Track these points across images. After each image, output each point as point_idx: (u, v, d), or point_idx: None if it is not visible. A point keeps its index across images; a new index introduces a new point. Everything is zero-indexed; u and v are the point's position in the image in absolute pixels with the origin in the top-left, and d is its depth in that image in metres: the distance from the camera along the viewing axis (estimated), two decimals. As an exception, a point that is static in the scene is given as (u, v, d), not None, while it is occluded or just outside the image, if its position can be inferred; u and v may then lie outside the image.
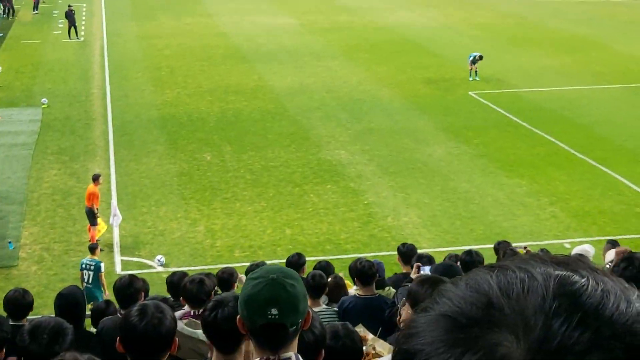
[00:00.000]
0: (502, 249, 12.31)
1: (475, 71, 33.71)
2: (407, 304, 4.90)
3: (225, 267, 9.84)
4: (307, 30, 44.66)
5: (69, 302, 7.20)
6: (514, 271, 1.07)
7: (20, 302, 7.07)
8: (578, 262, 1.09)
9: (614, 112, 29.49)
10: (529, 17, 49.62)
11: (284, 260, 11.72)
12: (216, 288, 7.93)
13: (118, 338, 3.43)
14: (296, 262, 10.33)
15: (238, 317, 2.94)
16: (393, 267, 14.43)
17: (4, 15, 48.04)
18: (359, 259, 8.79)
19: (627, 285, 1.08)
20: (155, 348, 3.47)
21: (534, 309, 1.01)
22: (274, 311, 2.82)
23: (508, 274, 1.07)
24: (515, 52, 39.36)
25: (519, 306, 1.01)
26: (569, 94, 31.91)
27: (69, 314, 6.52)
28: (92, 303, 11.26)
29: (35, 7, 49.58)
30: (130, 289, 7.22)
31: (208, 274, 8.12)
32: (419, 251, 11.57)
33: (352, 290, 9.40)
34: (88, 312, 8.72)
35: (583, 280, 1.05)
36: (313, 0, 54.84)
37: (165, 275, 14.70)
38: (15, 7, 49.12)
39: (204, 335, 6.03)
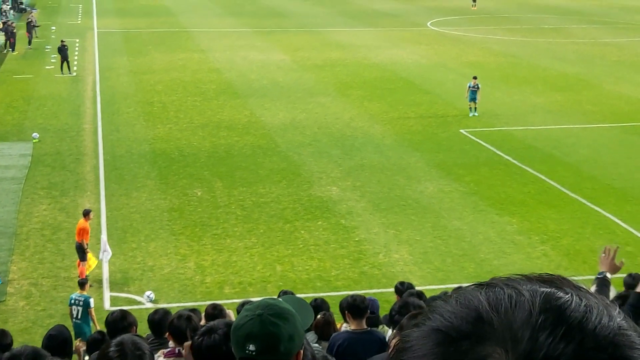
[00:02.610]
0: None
1: (475, 107, 33.93)
2: (397, 336, 4.85)
3: (214, 303, 9.75)
4: (300, 67, 44.88)
5: (58, 343, 7.12)
6: (502, 288, 1.13)
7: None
8: (562, 281, 1.16)
9: (603, 150, 29.62)
10: (520, 56, 50.01)
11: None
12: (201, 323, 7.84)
13: None
14: None
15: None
16: (384, 304, 14.34)
17: (9, 50, 48.14)
18: (351, 295, 8.74)
19: (609, 302, 1.13)
20: None
21: (521, 322, 1.06)
22: (251, 347, 2.81)
23: (496, 290, 1.12)
24: (507, 90, 39.61)
25: (507, 320, 1.07)
26: (559, 132, 32.07)
27: (57, 354, 6.44)
28: (78, 339, 11.14)
29: (30, 42, 49.76)
30: (122, 322, 7.16)
31: (194, 310, 8.02)
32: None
33: (343, 327, 9.32)
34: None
35: (567, 296, 1.11)
36: (306, 37, 55.18)
37: (151, 311, 14.60)
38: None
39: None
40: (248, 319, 2.87)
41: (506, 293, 1.11)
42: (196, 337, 3.79)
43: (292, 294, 10.66)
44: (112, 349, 3.48)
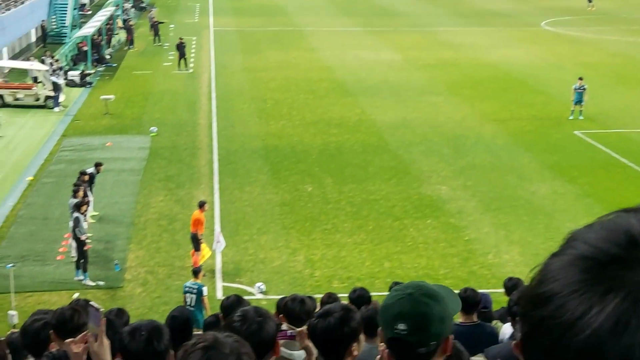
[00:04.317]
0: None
1: (580, 110, 33.06)
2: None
3: (330, 293, 9.90)
4: (411, 66, 44.75)
5: (180, 323, 7.35)
6: None
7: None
8: None
9: None
10: (637, 57, 48.41)
11: (383, 293, 11.71)
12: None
13: None
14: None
15: (380, 328, 2.88)
16: (493, 304, 14.21)
17: (129, 46, 50.00)
18: (465, 287, 8.73)
19: None
20: (257, 352, 3.52)
21: None
22: (401, 326, 2.72)
23: None
24: (624, 92, 38.43)
25: None
26: (681, 135, 30.91)
27: (179, 335, 6.66)
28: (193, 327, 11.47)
29: (158, 39, 51.21)
30: (238, 306, 7.37)
31: (310, 297, 8.12)
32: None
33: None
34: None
35: None
36: (417, 36, 54.96)
37: (265, 303, 14.91)
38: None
39: (300, 357, 6.08)
40: (398, 297, 2.78)
41: None
42: (312, 320, 3.88)
43: None
44: (237, 314, 3.64)
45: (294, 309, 6.59)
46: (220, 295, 17.89)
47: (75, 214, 18.93)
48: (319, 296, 12.17)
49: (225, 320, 3.70)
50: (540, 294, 1.03)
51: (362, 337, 3.75)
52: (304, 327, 4.29)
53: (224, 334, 3.01)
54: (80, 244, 18.78)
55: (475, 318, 8.33)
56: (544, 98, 36.97)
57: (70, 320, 5.43)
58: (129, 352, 3.76)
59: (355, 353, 3.82)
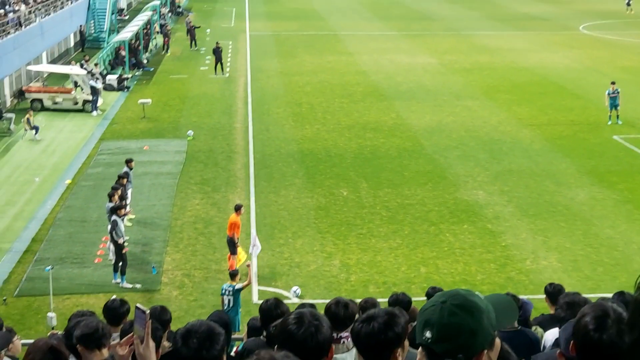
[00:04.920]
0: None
1: (617, 115, 32.67)
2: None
3: (368, 297, 9.86)
4: (447, 70, 44.56)
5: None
6: None
7: (118, 312, 7.67)
8: None
9: None
10: (679, 61, 47.74)
11: (420, 299, 11.64)
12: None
13: (275, 347, 3.49)
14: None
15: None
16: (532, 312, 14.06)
17: (166, 52, 50.39)
18: (505, 293, 8.64)
19: None
20: (312, 356, 3.49)
21: None
22: (427, 334, 2.73)
23: None
24: (664, 96, 37.89)
25: None
26: None
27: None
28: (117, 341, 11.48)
29: (195, 43, 51.52)
30: (277, 310, 7.36)
31: (352, 300, 8.07)
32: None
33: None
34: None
35: None
36: (453, 40, 54.72)
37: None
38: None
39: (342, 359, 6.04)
40: (431, 304, 2.78)
41: None
42: (356, 324, 3.84)
43: (441, 289, 10.56)
44: (292, 317, 3.60)
45: (337, 313, 6.57)
46: (255, 299, 17.93)
47: (113, 217, 19.09)
48: (357, 300, 12.17)
49: (280, 322, 3.65)
50: None
51: (406, 342, 3.70)
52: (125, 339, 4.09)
53: (280, 353, 2.98)
54: (118, 247, 18.93)
55: (516, 324, 8.23)
56: (581, 102, 36.60)
57: (96, 332, 5.56)
58: (181, 356, 3.76)
59: (400, 359, 3.77)
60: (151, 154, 28.98)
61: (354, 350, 6.01)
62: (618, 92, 32.61)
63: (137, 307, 3.85)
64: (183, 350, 3.71)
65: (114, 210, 19.40)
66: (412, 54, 49.40)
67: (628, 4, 71.30)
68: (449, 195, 24.48)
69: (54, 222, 22.72)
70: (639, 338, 0.95)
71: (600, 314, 3.14)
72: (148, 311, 3.79)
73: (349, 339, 6.46)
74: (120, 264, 18.99)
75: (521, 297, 16.59)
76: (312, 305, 8.79)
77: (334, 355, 5.98)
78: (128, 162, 23.61)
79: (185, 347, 3.71)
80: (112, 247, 19.47)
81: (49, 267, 17.59)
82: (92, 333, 5.54)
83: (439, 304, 2.77)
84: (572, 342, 3.07)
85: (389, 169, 27.10)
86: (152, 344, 3.80)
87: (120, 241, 18.90)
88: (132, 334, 3.91)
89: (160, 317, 7.48)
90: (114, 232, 18.93)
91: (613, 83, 33.16)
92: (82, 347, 5.58)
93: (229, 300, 15.82)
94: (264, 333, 7.43)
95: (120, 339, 4.20)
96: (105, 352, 5.54)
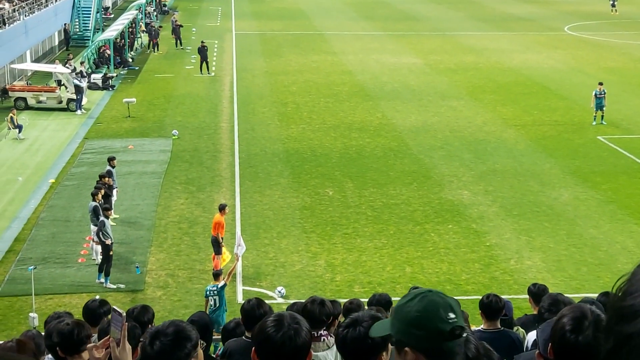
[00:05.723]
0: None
1: (602, 115, 32.80)
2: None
3: (353, 298, 9.85)
4: (432, 70, 44.63)
5: (200, 328, 7.35)
6: None
7: (96, 312, 7.59)
8: None
9: None
10: (663, 62, 48.00)
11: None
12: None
13: (253, 349, 3.43)
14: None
15: (406, 349, 2.62)
16: (516, 311, 14.09)
17: (152, 50, 50.13)
18: (488, 293, 8.65)
19: None
20: (290, 359, 3.44)
21: None
22: (452, 315, 2.58)
23: None
24: (648, 97, 38.09)
25: None
26: None
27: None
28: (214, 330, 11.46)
29: (180, 42, 51.30)
30: (259, 310, 7.33)
31: (334, 302, 8.01)
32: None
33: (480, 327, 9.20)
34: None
35: None
36: (438, 41, 54.81)
37: (285, 307, 14.86)
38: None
39: (325, 358, 6.00)
40: (427, 297, 2.62)
41: None
42: (341, 329, 3.80)
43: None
44: (270, 319, 3.54)
45: (313, 311, 6.55)
46: (240, 299, 17.88)
47: (101, 218, 18.96)
48: (340, 302, 12.14)
49: (259, 325, 3.57)
50: (627, 308, 0.96)
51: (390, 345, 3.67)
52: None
53: None
54: (106, 248, 18.80)
55: (498, 324, 8.25)
56: (566, 103, 36.74)
57: (71, 338, 5.50)
58: (147, 356, 3.72)
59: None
60: (136, 153, 28.85)
61: (334, 347, 5.99)
62: (605, 93, 32.75)
63: (113, 309, 3.82)
64: (148, 350, 3.67)
65: (99, 210, 19.28)
66: (397, 54, 49.45)
67: (613, 5, 71.66)
68: (434, 195, 24.52)
69: (37, 221, 22.58)
70: (614, 348, 0.91)
71: (579, 315, 3.13)
72: (124, 313, 3.76)
73: (329, 337, 6.45)
74: (105, 264, 18.87)
75: (503, 296, 16.63)
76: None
77: (316, 354, 5.96)
78: (110, 160, 23.51)
79: (150, 347, 3.66)
80: (98, 247, 19.35)
81: (32, 267, 17.48)
82: (67, 339, 5.50)
83: (430, 293, 2.67)
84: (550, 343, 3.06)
85: (374, 168, 27.11)
86: (128, 346, 3.76)
87: (108, 242, 18.76)
88: (108, 336, 3.87)
89: (140, 317, 7.44)
90: (100, 233, 18.80)
91: (601, 84, 33.28)
92: (62, 353, 5.55)
93: (214, 300, 15.76)
94: (246, 333, 7.40)
95: (99, 339, 4.16)
96: (85, 355, 5.51)
